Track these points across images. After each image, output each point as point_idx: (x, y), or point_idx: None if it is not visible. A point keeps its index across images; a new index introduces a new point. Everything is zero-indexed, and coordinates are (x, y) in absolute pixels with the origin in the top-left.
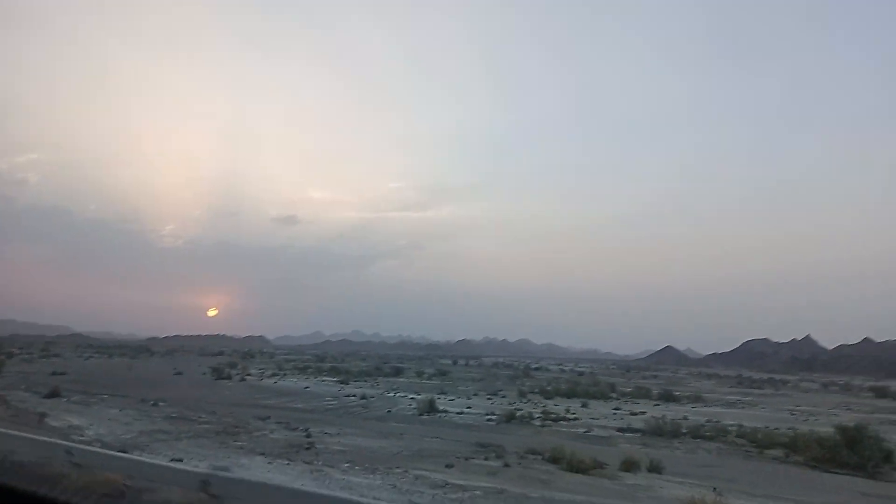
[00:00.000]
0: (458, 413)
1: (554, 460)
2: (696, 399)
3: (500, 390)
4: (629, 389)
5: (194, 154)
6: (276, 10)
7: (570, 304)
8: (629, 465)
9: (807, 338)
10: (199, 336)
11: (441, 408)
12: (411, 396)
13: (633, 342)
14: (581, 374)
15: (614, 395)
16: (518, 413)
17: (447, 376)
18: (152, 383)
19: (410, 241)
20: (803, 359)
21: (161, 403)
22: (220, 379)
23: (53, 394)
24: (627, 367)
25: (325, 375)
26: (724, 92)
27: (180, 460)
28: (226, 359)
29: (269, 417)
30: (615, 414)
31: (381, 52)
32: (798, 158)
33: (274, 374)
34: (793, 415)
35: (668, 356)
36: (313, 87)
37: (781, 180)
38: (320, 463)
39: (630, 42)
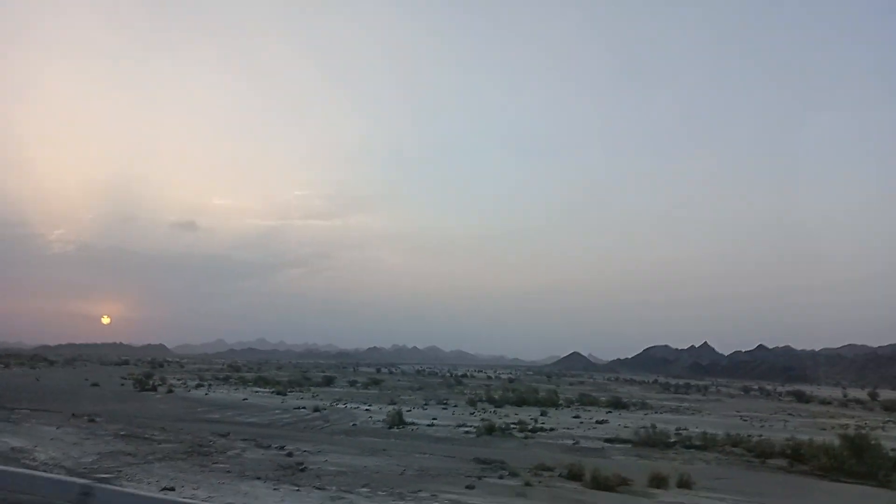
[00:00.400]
0: (428, 425)
1: (573, 477)
2: (643, 405)
3: (446, 399)
4: (572, 396)
5: (87, 157)
6: (180, 14)
7: (475, 312)
8: (658, 481)
9: (704, 344)
10: (94, 345)
11: (408, 420)
12: (365, 408)
13: (537, 348)
14: (511, 380)
15: (562, 402)
16: (495, 424)
17: (380, 385)
18: (71, 396)
19: (317, 250)
20: (704, 364)
21: (98, 419)
22: (145, 390)
23: None
24: (544, 372)
25: (254, 386)
26: (623, 112)
27: (172, 489)
28: (134, 368)
29: (228, 434)
30: (580, 423)
31: (289, 58)
32: (691, 177)
33: (199, 385)
34: (744, 420)
35: (576, 362)
36: (217, 92)
37: (676, 198)
38: (335, 489)
39: (533, 61)
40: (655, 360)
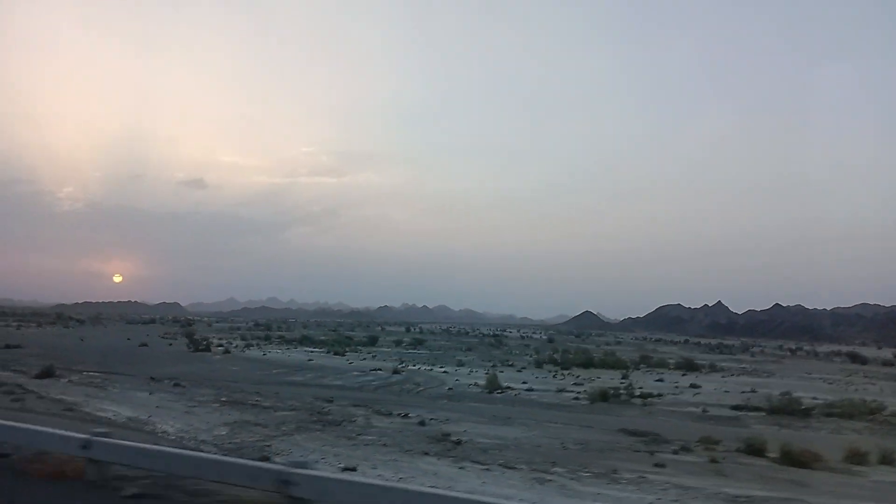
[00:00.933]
0: (526, 390)
1: (752, 452)
2: (713, 368)
3: (508, 361)
4: (628, 358)
5: (95, 114)
6: None
7: (482, 271)
8: (857, 457)
9: (718, 303)
10: (110, 303)
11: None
12: (442, 371)
13: (544, 308)
14: (550, 340)
15: (629, 365)
16: (607, 391)
17: (424, 345)
18: (127, 357)
19: (325, 208)
20: (723, 323)
21: (182, 383)
22: (199, 351)
23: (47, 373)
24: (564, 331)
25: (302, 346)
26: (635, 70)
27: (353, 469)
28: (163, 327)
29: (332, 400)
30: (676, 387)
31: (297, 11)
32: (703, 136)
33: (248, 346)
34: (829, 384)
35: (589, 321)
36: (225, 47)
37: (688, 157)
38: (526, 468)
39: (546, 19)
40: (669, 319)
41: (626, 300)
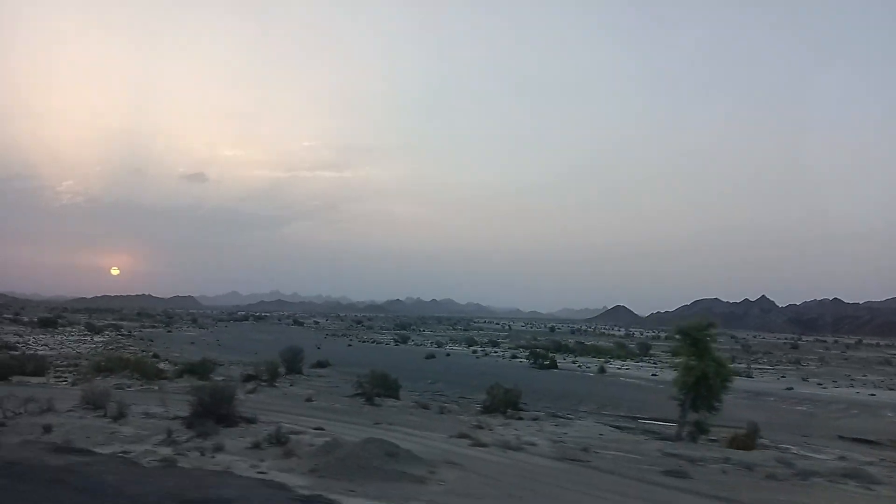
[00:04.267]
0: None
1: None
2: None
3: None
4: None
5: (95, 107)
6: None
7: (486, 265)
8: None
9: (762, 297)
10: (125, 296)
11: None
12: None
13: (551, 301)
14: (622, 337)
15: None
16: None
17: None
18: (464, 378)
19: (326, 202)
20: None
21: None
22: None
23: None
24: (590, 327)
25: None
26: (640, 61)
27: None
28: (274, 325)
29: None
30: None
31: (297, 4)
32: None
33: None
34: None
35: (622, 316)
36: (225, 40)
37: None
38: None
39: (547, 5)
40: (709, 314)
41: (653, 295)
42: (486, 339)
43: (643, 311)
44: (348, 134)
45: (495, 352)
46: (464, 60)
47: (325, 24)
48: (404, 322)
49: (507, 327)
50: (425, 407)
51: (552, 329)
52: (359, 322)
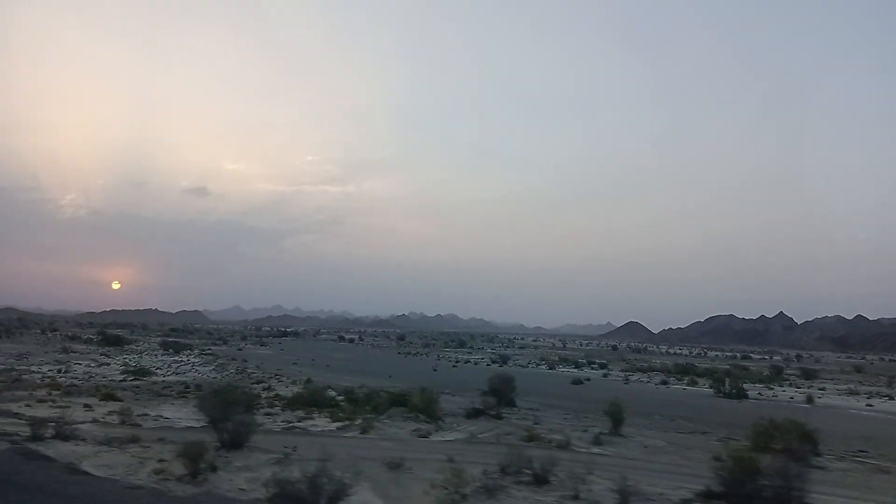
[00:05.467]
0: None
1: None
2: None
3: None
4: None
5: (99, 122)
6: None
7: (489, 280)
8: None
9: (780, 314)
10: (134, 311)
11: None
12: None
13: (555, 317)
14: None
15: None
16: None
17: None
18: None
19: (329, 216)
20: (834, 338)
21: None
22: (727, 396)
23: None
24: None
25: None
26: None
27: None
28: (315, 342)
29: None
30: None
31: (300, 20)
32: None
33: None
34: None
35: (636, 331)
36: (228, 54)
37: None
38: None
39: (544, 18)
40: (727, 331)
41: (661, 310)
42: (556, 358)
43: (654, 327)
44: (352, 149)
45: (628, 376)
46: (468, 78)
47: (330, 41)
48: (459, 338)
49: (552, 344)
50: None
51: (614, 348)
52: (401, 338)
